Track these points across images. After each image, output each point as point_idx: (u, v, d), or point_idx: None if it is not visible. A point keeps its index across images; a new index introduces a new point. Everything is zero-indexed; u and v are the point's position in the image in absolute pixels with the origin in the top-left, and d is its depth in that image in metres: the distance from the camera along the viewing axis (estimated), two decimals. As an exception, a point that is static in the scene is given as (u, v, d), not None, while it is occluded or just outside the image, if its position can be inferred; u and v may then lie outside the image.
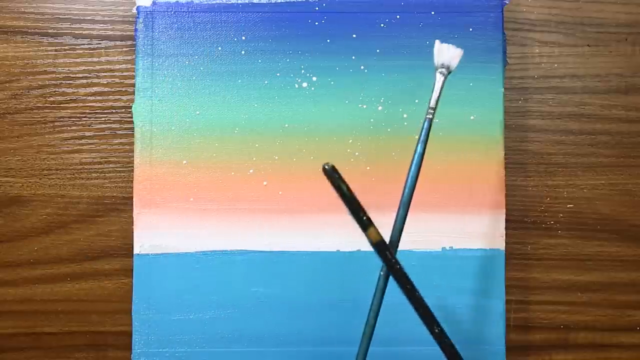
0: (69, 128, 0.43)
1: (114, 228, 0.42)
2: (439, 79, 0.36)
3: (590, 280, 0.43)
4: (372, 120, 0.41)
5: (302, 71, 0.41)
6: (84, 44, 0.43)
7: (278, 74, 0.41)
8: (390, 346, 0.40)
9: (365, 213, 0.32)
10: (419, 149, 0.36)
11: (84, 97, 0.43)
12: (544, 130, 0.44)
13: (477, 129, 0.41)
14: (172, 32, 0.41)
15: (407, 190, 0.36)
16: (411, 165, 0.36)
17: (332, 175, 0.31)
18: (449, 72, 0.36)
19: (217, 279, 0.40)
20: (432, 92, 0.36)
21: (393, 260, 0.33)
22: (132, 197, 0.41)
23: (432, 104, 0.36)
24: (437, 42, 0.36)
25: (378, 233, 0.33)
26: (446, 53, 0.36)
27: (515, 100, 0.44)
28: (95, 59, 0.43)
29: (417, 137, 0.41)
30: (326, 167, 0.31)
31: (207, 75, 0.41)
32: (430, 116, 0.36)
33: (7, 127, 0.43)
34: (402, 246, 0.40)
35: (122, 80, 0.43)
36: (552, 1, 0.44)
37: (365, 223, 0.32)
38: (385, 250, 0.33)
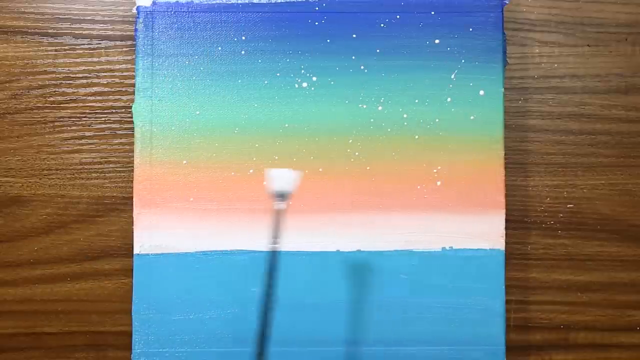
0: (69, 128, 0.43)
1: (114, 228, 0.42)
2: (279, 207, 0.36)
3: (590, 280, 0.43)
4: (372, 120, 0.41)
5: (302, 71, 0.41)
6: (84, 44, 0.43)
7: (278, 74, 0.41)
8: (389, 346, 0.41)
9: None
10: None
11: (84, 97, 0.43)
12: (544, 130, 0.44)
13: (477, 129, 0.41)
14: (172, 32, 0.41)
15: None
16: None
17: None
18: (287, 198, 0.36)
19: (217, 279, 0.40)
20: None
21: None
22: (132, 197, 0.41)
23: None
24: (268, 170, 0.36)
25: None
26: (279, 180, 0.36)
27: (515, 100, 0.44)
28: (95, 59, 0.43)
29: (416, 137, 0.42)
30: None
31: (207, 75, 0.41)
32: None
33: (7, 127, 0.43)
34: (402, 246, 0.41)
35: (122, 80, 0.43)
36: (552, 1, 0.44)
37: None
38: None
